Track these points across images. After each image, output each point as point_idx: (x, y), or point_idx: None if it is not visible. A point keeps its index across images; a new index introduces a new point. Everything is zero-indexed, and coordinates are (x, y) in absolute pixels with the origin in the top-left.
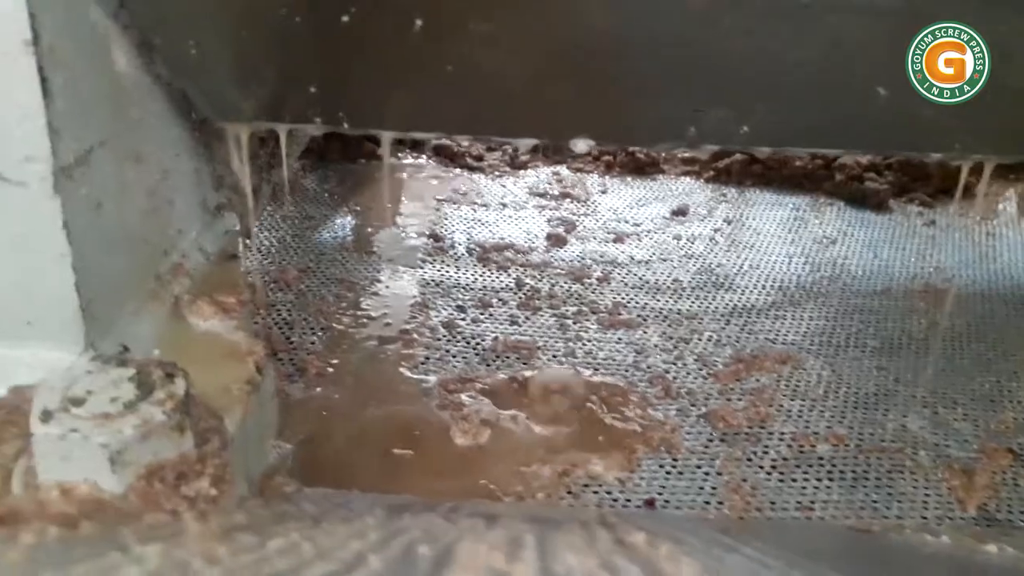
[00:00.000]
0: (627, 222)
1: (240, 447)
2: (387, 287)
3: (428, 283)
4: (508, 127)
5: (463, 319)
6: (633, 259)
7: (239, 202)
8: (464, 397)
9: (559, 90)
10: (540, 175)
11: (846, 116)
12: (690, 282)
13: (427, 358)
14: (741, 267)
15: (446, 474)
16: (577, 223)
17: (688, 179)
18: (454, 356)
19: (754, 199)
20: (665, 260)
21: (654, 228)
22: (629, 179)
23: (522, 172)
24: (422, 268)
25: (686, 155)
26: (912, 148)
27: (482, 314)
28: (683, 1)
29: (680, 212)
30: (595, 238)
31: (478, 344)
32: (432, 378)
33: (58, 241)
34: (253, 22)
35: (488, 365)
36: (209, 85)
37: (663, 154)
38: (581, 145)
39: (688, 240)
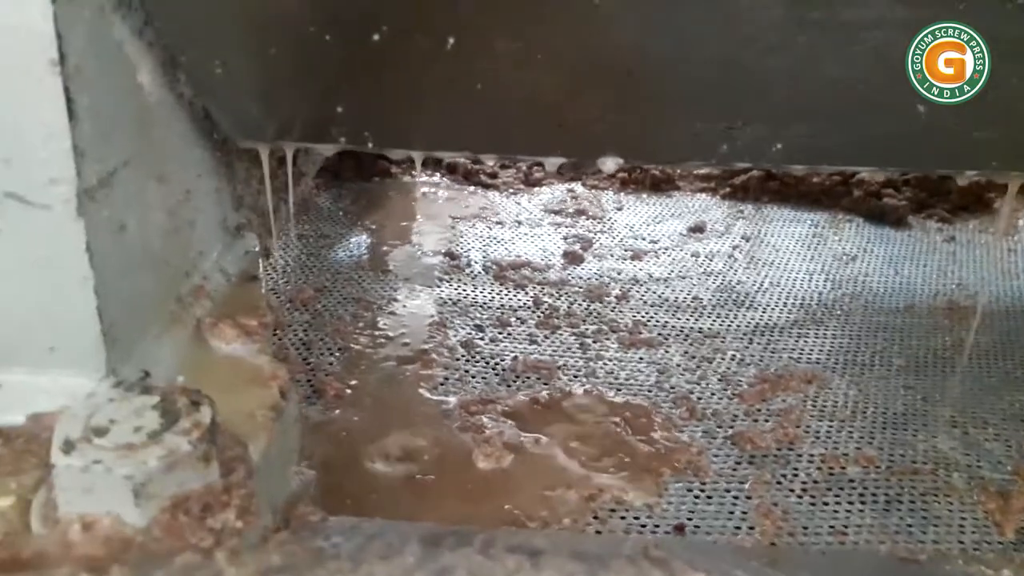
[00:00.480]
0: (644, 239)
1: (264, 475)
2: (404, 306)
3: (445, 302)
4: (536, 146)
5: (481, 338)
6: (652, 277)
7: (259, 222)
8: (485, 419)
9: (588, 108)
10: (555, 192)
11: (883, 134)
12: (710, 300)
13: (446, 379)
14: (761, 285)
15: (469, 499)
16: (593, 240)
17: (704, 196)
18: (473, 376)
19: (771, 216)
20: (684, 278)
21: (671, 245)
22: (644, 196)
23: (536, 189)
24: (439, 287)
25: (702, 171)
26: (949, 165)
27: (500, 333)
28: (716, 18)
29: (697, 229)
30: (612, 255)
31: (497, 364)
32: (452, 399)
33: (81, 264)
34: (281, 40)
35: (508, 386)
36: (234, 104)
37: (679, 171)
38: (609, 164)
39: (707, 257)
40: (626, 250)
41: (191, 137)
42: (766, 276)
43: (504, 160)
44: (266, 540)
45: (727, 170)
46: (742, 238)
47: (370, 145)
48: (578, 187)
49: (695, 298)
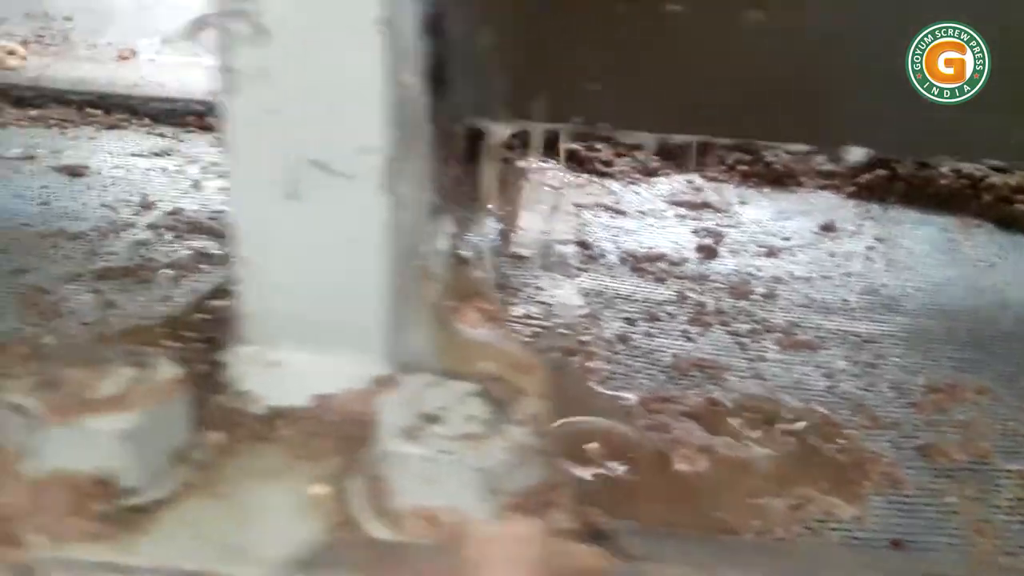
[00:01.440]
0: (775, 236)
1: None
2: (551, 296)
3: (589, 293)
4: (779, 132)
5: (635, 333)
6: (793, 275)
7: (454, 204)
8: (668, 419)
9: (839, 96)
10: (673, 183)
11: None
12: (858, 303)
13: (613, 373)
14: (905, 289)
15: (674, 502)
16: (724, 235)
17: (827, 193)
18: (638, 372)
19: (899, 217)
20: (826, 278)
21: (804, 243)
22: (766, 190)
23: (654, 179)
24: (579, 277)
25: (824, 168)
26: None
27: (652, 328)
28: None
29: (828, 228)
30: (746, 251)
31: (658, 360)
32: (629, 396)
33: (381, 241)
34: (569, 10)
35: (676, 383)
36: (485, 79)
37: (801, 166)
38: (856, 154)
39: (843, 258)
40: (759, 246)
41: (425, 113)
42: (907, 280)
43: (618, 148)
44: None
45: (853, 168)
46: (875, 239)
47: (605, 127)
48: (697, 178)
49: (843, 300)
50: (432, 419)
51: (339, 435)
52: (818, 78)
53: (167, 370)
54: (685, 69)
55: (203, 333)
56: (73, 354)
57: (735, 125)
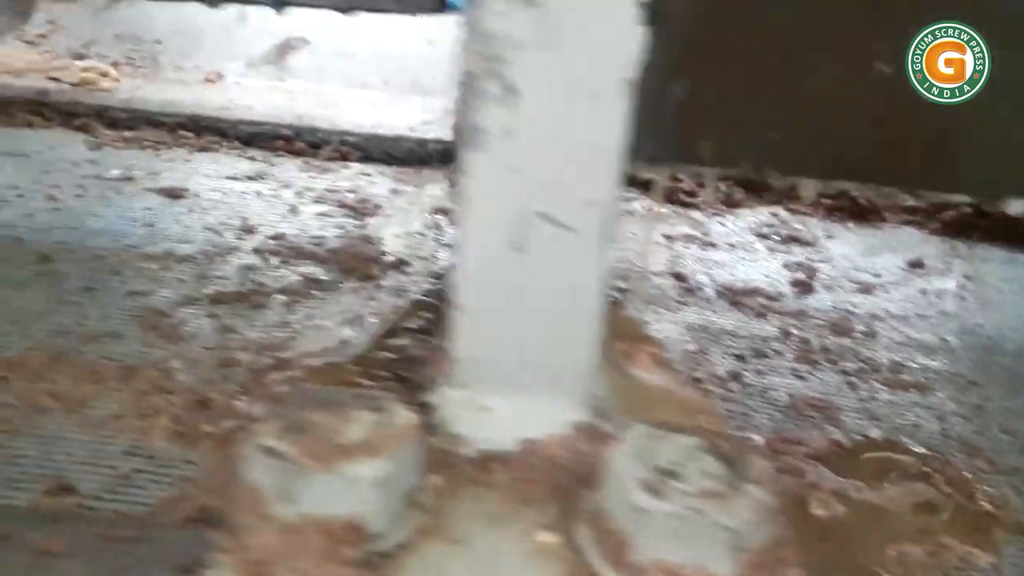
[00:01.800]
0: (866, 271)
1: None
2: (658, 331)
3: (693, 327)
4: (946, 183)
5: (747, 370)
6: (890, 313)
7: None
8: (795, 461)
9: (997, 145)
10: (758, 216)
11: None
12: (958, 344)
13: (731, 412)
14: (1000, 329)
15: (814, 547)
16: (817, 270)
17: (912, 229)
18: (756, 411)
19: (986, 255)
20: (923, 317)
21: (896, 280)
22: (851, 225)
23: (738, 211)
24: (679, 311)
25: (908, 203)
26: None
27: (762, 365)
28: None
29: (916, 264)
30: (841, 287)
31: (774, 399)
32: (755, 436)
33: (596, 291)
34: (751, 58)
35: (795, 423)
36: (661, 123)
37: (885, 202)
38: (1018, 205)
39: (936, 296)
40: (852, 282)
41: None
42: (1002, 320)
43: (700, 179)
44: None
45: (937, 204)
46: (964, 277)
47: (772, 172)
48: (781, 211)
49: (943, 340)
50: (670, 474)
51: (550, 481)
52: (989, 133)
53: (403, 414)
54: (865, 122)
55: (392, 372)
56: (310, 397)
57: (900, 175)
